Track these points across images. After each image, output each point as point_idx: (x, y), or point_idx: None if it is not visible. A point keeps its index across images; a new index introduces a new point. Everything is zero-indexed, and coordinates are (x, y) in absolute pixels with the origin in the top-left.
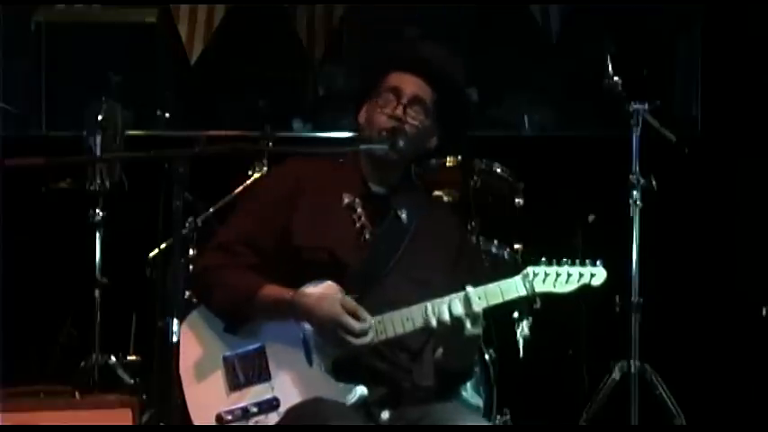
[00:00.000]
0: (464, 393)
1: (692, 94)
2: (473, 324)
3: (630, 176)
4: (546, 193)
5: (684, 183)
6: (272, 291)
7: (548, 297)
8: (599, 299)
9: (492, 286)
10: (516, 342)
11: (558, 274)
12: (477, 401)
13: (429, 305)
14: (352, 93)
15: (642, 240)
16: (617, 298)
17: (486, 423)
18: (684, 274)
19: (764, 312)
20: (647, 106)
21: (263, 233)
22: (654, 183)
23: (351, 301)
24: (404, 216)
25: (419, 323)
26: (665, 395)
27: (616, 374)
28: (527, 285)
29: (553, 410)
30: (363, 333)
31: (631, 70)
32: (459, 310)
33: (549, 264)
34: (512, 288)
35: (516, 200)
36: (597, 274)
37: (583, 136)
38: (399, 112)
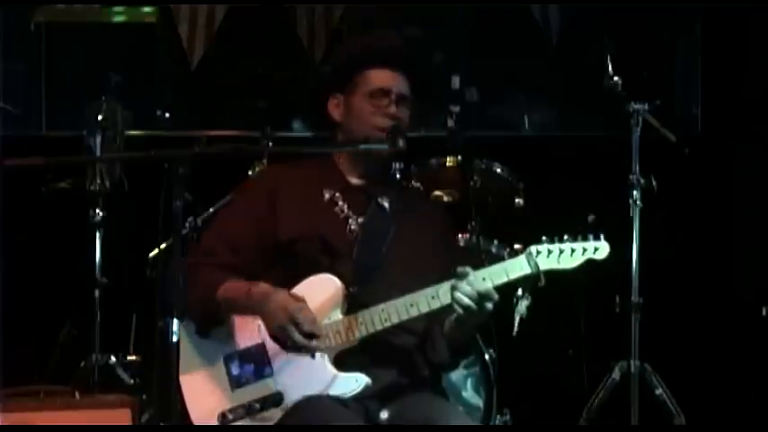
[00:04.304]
0: (464, 393)
1: (692, 94)
2: (487, 300)
3: (630, 176)
4: (546, 193)
5: (684, 183)
6: (233, 284)
7: (553, 283)
8: (599, 299)
9: (496, 266)
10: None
11: (561, 251)
12: (477, 401)
13: (431, 290)
14: (318, 86)
15: (642, 240)
16: (617, 298)
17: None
18: (684, 274)
19: (764, 312)
20: (647, 106)
21: (244, 233)
22: (654, 183)
23: (300, 303)
24: (386, 204)
25: (423, 308)
26: (665, 395)
27: (616, 374)
28: (531, 263)
29: (553, 410)
30: (311, 335)
31: (631, 70)
32: (467, 290)
33: (552, 241)
34: (516, 267)
35: (516, 200)
36: (600, 248)
37: (583, 136)
38: (393, 110)
